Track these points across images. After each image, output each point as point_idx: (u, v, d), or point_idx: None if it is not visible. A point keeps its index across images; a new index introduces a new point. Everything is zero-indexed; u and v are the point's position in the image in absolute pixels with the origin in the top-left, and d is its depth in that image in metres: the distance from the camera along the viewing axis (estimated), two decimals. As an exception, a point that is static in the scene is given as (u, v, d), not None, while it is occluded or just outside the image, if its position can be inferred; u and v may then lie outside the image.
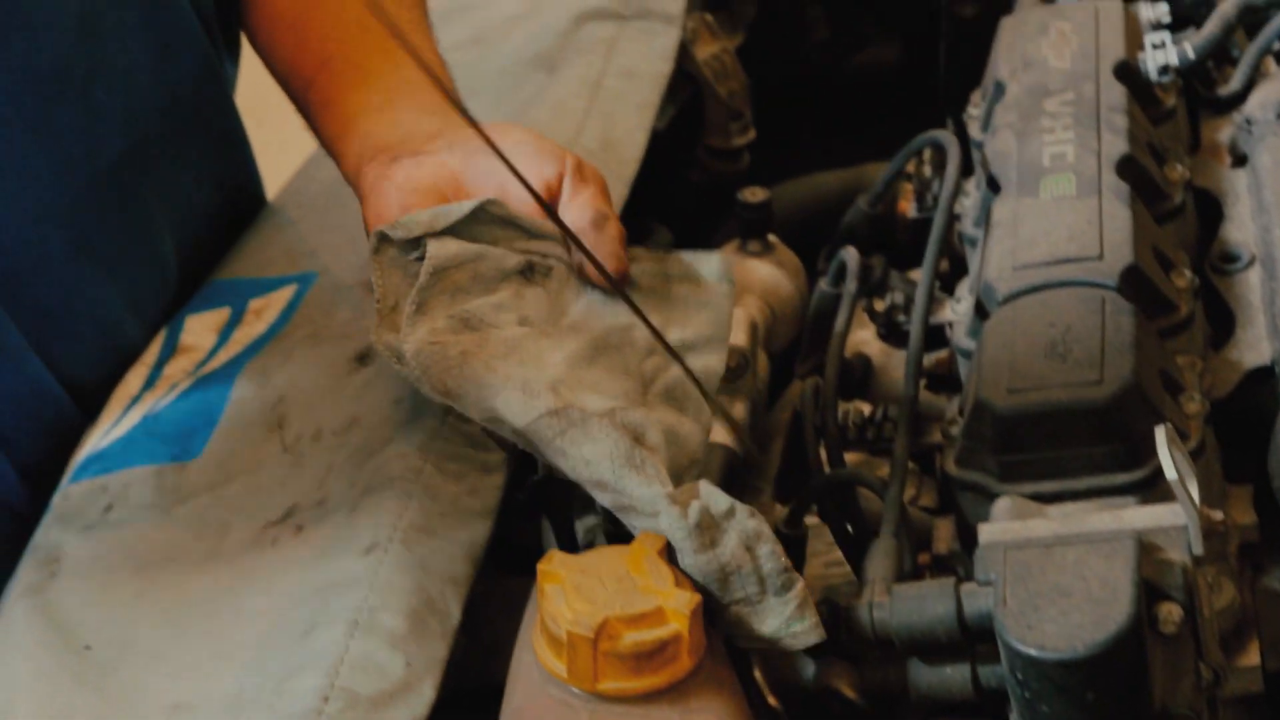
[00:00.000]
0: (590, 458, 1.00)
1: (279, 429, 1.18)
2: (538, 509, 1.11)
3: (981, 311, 1.16)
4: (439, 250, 1.11)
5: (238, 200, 1.48)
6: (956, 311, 1.21)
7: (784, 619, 0.98)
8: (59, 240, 1.25)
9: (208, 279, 1.40)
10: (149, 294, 1.35)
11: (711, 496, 0.99)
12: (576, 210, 1.13)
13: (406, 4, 1.36)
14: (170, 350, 1.32)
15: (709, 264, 1.16)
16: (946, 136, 1.29)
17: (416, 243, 1.12)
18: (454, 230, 1.12)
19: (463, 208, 1.13)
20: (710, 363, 1.11)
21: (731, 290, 1.15)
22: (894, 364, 1.37)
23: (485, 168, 1.15)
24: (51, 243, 1.24)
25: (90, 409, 1.29)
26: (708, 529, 0.97)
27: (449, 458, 1.11)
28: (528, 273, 1.13)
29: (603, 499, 1.00)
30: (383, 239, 1.13)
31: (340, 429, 1.16)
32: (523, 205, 1.14)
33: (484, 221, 1.13)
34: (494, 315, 1.09)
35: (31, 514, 1.21)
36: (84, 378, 1.30)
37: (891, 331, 1.34)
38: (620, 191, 1.39)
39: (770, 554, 0.98)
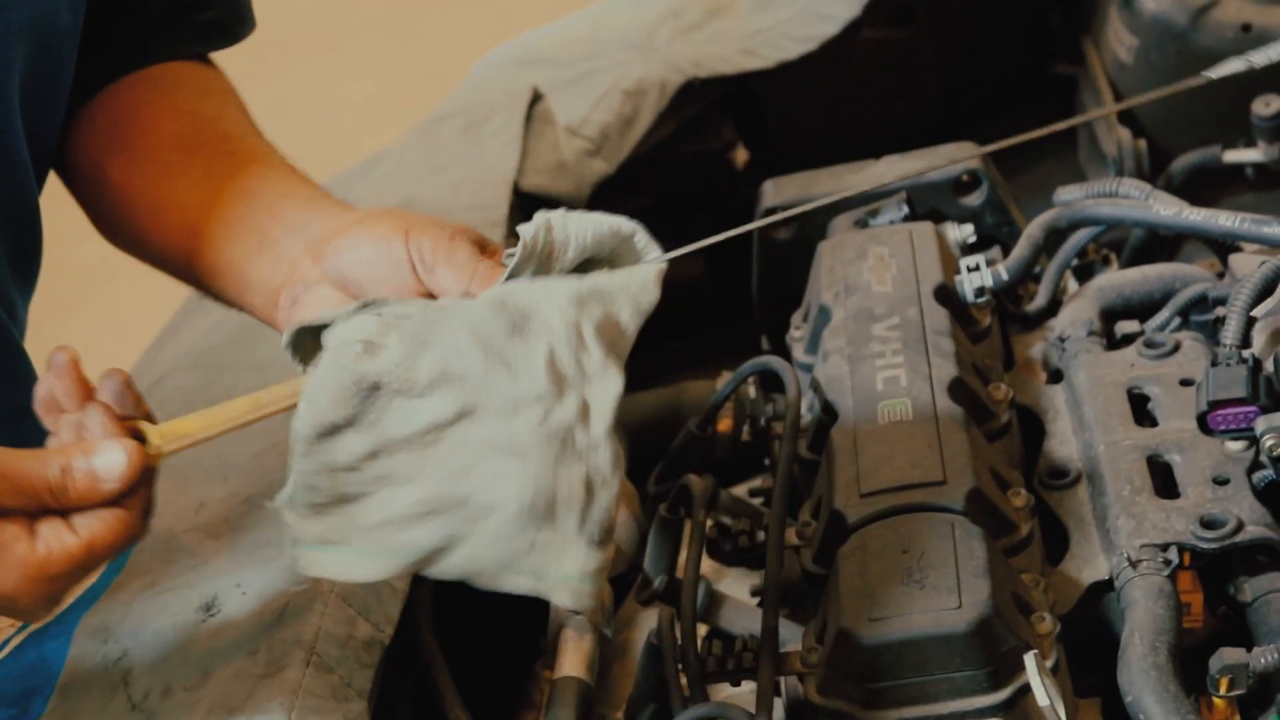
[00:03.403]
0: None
1: (125, 686, 1.15)
2: None
3: (830, 538, 1.18)
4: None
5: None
6: (803, 536, 1.23)
7: (582, 569, 0.98)
8: None
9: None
10: None
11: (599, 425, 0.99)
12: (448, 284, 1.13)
13: (250, 126, 1.37)
14: (-5, 604, 1.28)
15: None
16: (778, 363, 1.32)
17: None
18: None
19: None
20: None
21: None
22: (725, 583, 1.38)
23: (348, 263, 1.17)
24: None
25: None
26: (566, 445, 0.97)
27: (312, 710, 1.09)
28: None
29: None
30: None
31: (193, 684, 1.13)
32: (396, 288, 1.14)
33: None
34: None
35: None
36: None
37: (739, 556, 1.36)
38: None
39: (605, 507, 0.98)
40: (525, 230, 1.06)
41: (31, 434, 1.36)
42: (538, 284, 1.05)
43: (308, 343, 1.09)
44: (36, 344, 1.41)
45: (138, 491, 1.05)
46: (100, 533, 1.03)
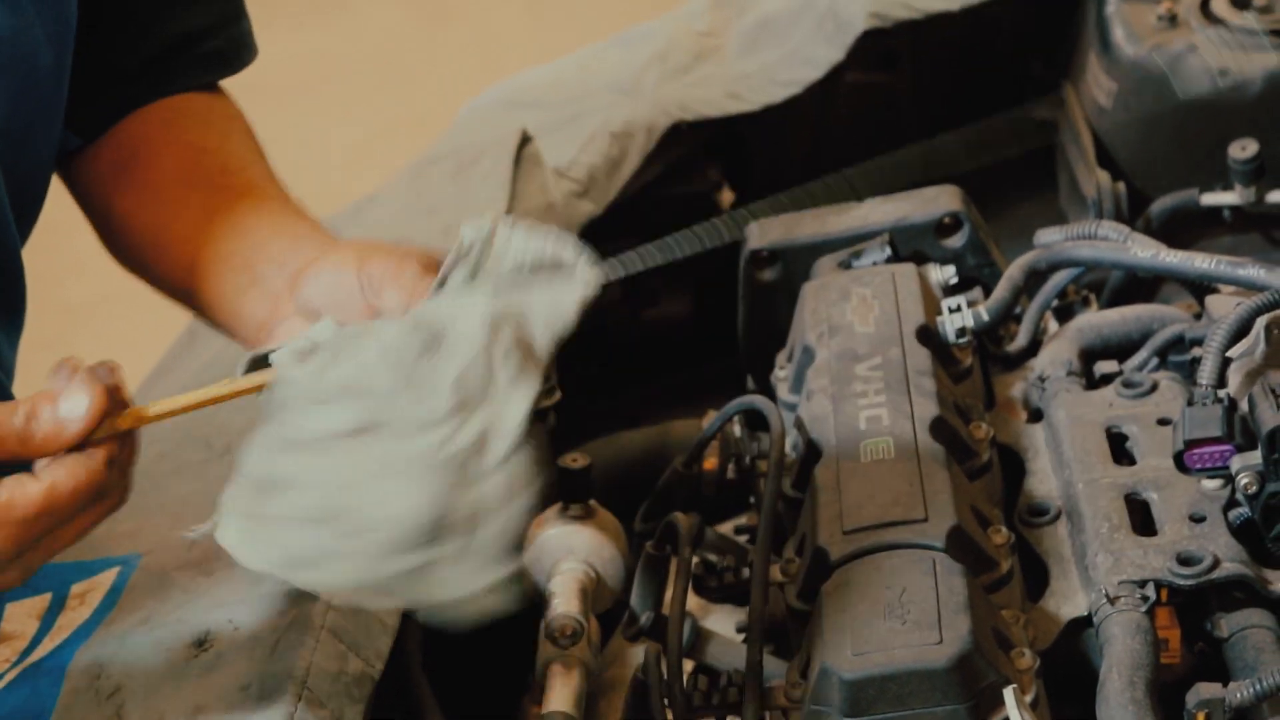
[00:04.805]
0: None
1: (118, 720, 1.17)
2: None
3: (814, 574, 1.20)
4: None
5: None
6: (786, 573, 1.25)
7: (458, 597, 1.01)
8: None
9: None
10: None
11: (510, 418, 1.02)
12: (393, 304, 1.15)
13: (252, 156, 1.40)
14: (-11, 640, 1.30)
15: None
16: (763, 403, 1.34)
17: None
18: None
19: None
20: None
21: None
22: (711, 619, 1.40)
23: (311, 294, 1.19)
24: None
25: None
26: (461, 472, 1.00)
27: (305, 745, 1.11)
28: None
29: None
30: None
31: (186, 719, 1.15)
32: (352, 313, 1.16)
33: None
34: None
35: None
36: None
37: (725, 593, 1.37)
38: None
39: (490, 537, 0.99)
40: (466, 232, 1.09)
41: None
42: (456, 303, 1.08)
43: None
44: (25, 382, 1.43)
45: (107, 443, 1.05)
46: (61, 477, 1.03)
